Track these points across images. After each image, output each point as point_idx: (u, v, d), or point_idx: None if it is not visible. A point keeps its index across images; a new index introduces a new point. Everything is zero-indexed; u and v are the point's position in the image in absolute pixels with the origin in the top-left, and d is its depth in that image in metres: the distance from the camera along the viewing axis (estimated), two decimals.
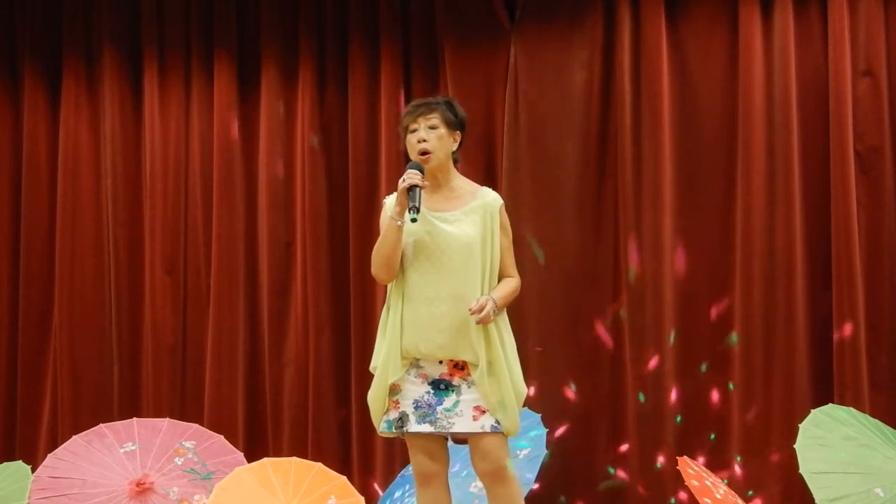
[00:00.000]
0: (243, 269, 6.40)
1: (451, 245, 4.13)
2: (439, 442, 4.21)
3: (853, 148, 5.63)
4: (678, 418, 5.82)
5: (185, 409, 6.38)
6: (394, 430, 4.17)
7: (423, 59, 6.25)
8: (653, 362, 5.84)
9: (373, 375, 4.22)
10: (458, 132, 4.25)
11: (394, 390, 4.17)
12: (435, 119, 4.19)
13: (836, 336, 5.60)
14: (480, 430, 4.10)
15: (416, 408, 4.14)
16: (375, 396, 4.19)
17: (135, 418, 5.85)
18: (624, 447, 5.88)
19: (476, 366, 4.10)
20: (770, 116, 5.76)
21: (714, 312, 5.84)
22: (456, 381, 4.14)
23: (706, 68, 5.91)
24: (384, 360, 4.15)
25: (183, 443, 5.65)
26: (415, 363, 4.16)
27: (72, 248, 6.59)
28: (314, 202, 6.31)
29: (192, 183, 6.52)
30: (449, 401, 4.13)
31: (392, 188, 6.11)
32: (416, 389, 4.15)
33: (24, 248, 6.67)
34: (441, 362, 4.15)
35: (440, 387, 4.15)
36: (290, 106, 6.41)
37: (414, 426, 4.13)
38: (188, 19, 6.54)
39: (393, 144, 6.19)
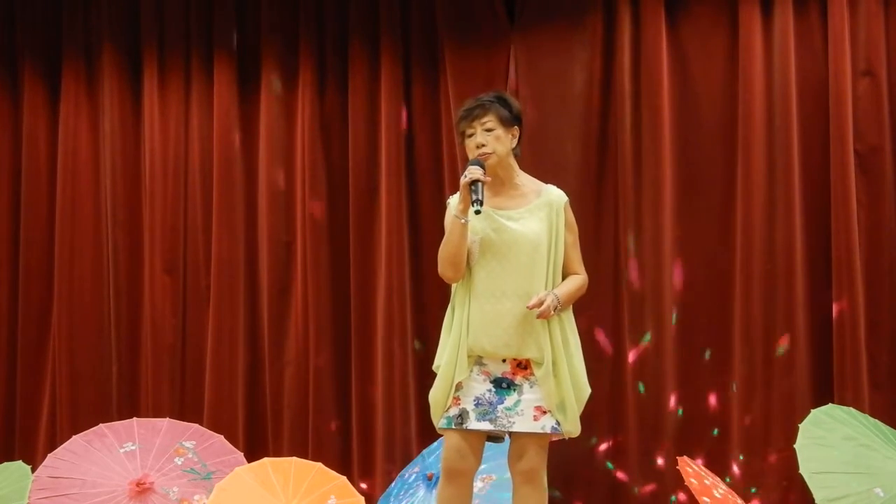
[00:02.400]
0: (243, 269, 6.40)
1: (517, 242, 4.12)
2: (480, 441, 4.18)
3: (853, 148, 5.64)
4: (679, 412, 5.83)
5: (185, 409, 6.38)
6: (453, 427, 4.13)
7: (423, 59, 6.25)
8: (652, 361, 5.84)
9: (433, 374, 4.20)
10: (515, 127, 4.23)
11: (456, 387, 4.14)
12: (490, 121, 4.18)
13: (836, 335, 5.60)
14: (541, 431, 4.09)
15: (477, 405, 4.12)
16: (438, 394, 4.16)
17: (135, 418, 5.84)
18: (623, 446, 5.88)
19: (540, 364, 4.09)
20: (770, 116, 5.76)
21: (714, 311, 5.84)
22: (518, 380, 4.13)
23: (706, 68, 5.91)
24: (449, 358, 4.14)
25: (183, 443, 5.65)
26: (478, 360, 4.15)
27: (71, 248, 6.58)
28: (314, 202, 6.31)
29: (192, 183, 6.51)
30: (510, 400, 4.12)
31: (392, 188, 6.18)
32: (479, 387, 4.13)
33: (23, 247, 6.66)
34: (504, 361, 4.14)
35: (502, 385, 4.13)
36: (290, 106, 6.40)
37: (473, 423, 4.11)
38: (188, 19, 6.53)
39: (393, 144, 6.19)
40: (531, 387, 4.12)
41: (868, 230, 5.66)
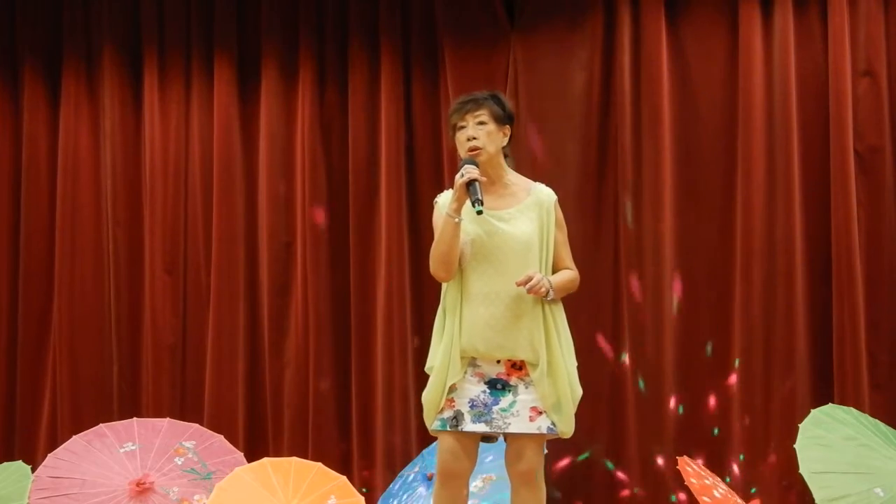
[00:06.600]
0: (243, 269, 6.40)
1: (508, 244, 4.10)
2: (474, 442, 4.15)
3: (853, 148, 5.64)
4: (680, 410, 5.83)
5: (185, 408, 6.38)
6: (448, 429, 4.10)
7: (423, 59, 6.25)
8: (653, 361, 5.84)
9: (426, 375, 4.17)
10: (507, 126, 4.21)
11: (450, 389, 4.11)
12: (483, 115, 4.16)
13: (836, 335, 5.61)
14: (537, 432, 4.07)
15: (472, 407, 4.09)
16: (431, 396, 4.12)
17: (135, 418, 5.84)
18: (624, 447, 5.88)
19: (535, 365, 4.07)
20: (770, 116, 5.76)
21: (714, 312, 5.84)
22: (513, 380, 4.10)
23: (706, 68, 5.92)
24: (442, 360, 4.10)
25: (183, 443, 5.65)
26: (472, 362, 4.12)
27: (72, 248, 6.59)
28: (314, 202, 6.31)
29: (192, 183, 6.52)
30: (505, 401, 4.09)
31: (392, 188, 6.18)
32: (473, 389, 4.10)
33: (23, 247, 6.67)
34: (499, 361, 4.11)
35: (497, 386, 4.10)
36: (290, 106, 6.41)
37: (469, 425, 4.08)
38: (188, 19, 6.54)
39: (393, 144, 6.19)
40: (526, 387, 4.09)
41: (868, 230, 5.67)
